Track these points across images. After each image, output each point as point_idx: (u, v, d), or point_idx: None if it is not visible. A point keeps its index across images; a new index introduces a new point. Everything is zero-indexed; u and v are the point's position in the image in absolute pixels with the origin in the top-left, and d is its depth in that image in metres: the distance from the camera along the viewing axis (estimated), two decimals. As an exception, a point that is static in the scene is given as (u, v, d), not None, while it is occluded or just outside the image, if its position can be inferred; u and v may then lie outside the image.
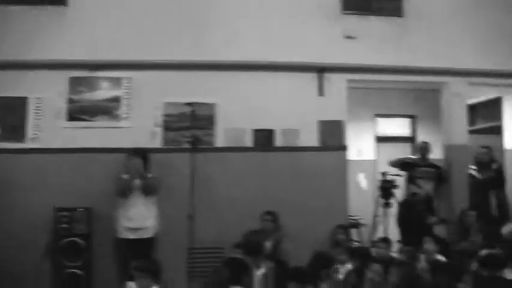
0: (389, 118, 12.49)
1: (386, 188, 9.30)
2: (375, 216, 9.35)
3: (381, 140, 12.26)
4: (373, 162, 11.89)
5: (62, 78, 8.65)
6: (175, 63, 8.79)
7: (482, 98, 11.88)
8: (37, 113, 8.55)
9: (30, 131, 8.53)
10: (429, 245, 7.50)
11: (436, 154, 9.93)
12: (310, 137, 9.05)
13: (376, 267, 6.41)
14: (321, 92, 9.17)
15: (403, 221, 9.19)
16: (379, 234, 8.94)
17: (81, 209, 8.06)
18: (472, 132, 10.90)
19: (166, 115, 8.75)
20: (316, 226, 8.73)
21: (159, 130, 8.74)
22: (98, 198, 8.20)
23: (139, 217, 7.81)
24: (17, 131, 8.51)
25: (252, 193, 8.72)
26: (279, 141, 8.98)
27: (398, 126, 12.70)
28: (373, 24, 9.51)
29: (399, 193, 9.51)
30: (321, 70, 9.20)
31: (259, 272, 6.34)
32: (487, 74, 9.86)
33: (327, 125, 9.12)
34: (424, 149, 9.57)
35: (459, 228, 8.96)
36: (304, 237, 8.42)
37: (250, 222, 8.01)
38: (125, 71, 8.78)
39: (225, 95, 8.91)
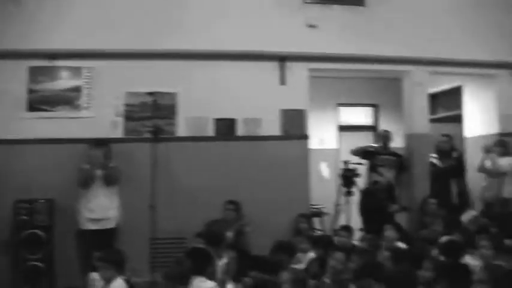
0: (351, 107, 12.56)
1: (348, 177, 9.31)
2: (337, 204, 9.36)
3: (343, 129, 12.34)
4: (336, 151, 11.96)
5: (21, 67, 8.50)
6: (137, 52, 8.70)
7: (443, 87, 11.98)
8: (-4, 103, 8.43)
9: (-11, 122, 8.39)
10: (390, 232, 7.56)
11: (397, 143, 9.99)
12: (272, 126, 9.05)
13: (338, 255, 6.43)
14: (282, 81, 9.17)
15: (365, 209, 9.24)
16: (341, 222, 8.95)
17: (42, 201, 7.96)
18: (433, 121, 10.96)
19: (127, 105, 8.68)
20: (278, 215, 8.73)
21: (120, 120, 8.64)
22: (60, 189, 8.11)
23: (101, 208, 7.77)
24: (-24, 122, 8.37)
25: (214, 182, 8.68)
26: (240, 131, 8.97)
27: (361, 115, 12.77)
28: (335, 13, 9.51)
29: (361, 181, 9.53)
30: (282, 59, 9.18)
31: (221, 262, 6.33)
32: (447, 63, 9.93)
33: (289, 114, 9.12)
34: (385, 137, 9.61)
35: (420, 216, 9.04)
36: (266, 226, 8.42)
37: (213, 212, 8.02)
38: (85, 61, 8.65)
39: (186, 85, 8.85)
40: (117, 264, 5.75)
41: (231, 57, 9.02)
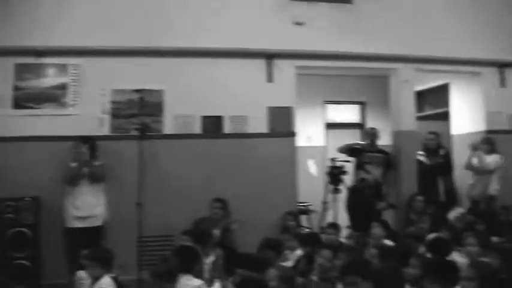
0: (338, 104, 12.57)
1: (335, 174, 9.30)
2: (324, 202, 9.35)
3: (331, 126, 12.34)
4: (323, 149, 11.96)
5: (7, 65, 8.44)
6: (123, 49, 8.66)
7: (430, 85, 12.01)
8: (-18, 101, 8.38)
9: (-25, 120, 8.34)
10: (377, 230, 7.57)
11: (384, 140, 10.01)
12: (259, 124, 9.05)
13: (326, 252, 6.41)
14: (269, 78, 9.16)
15: (352, 206, 9.25)
16: (329, 220, 8.94)
17: (28, 199, 7.88)
18: (420, 118, 11.00)
19: (114, 102, 8.64)
20: (265, 213, 8.75)
21: (106, 117, 8.60)
22: (46, 187, 8.05)
23: (88, 205, 7.74)
24: (-39, 120, 8.32)
25: (201, 180, 8.68)
26: (227, 128, 8.95)
27: (348, 113, 12.78)
28: (323, 11, 9.51)
29: (348, 179, 9.52)
30: (269, 56, 9.17)
31: (208, 260, 6.33)
32: (435, 60, 9.97)
33: (276, 111, 9.11)
34: (372, 134, 9.61)
35: (407, 213, 9.06)
36: (254, 223, 8.42)
37: (200, 210, 8.08)
38: (71, 58, 8.60)
39: (173, 82, 8.82)
40: (104, 262, 5.74)
41: (218, 54, 8.99)
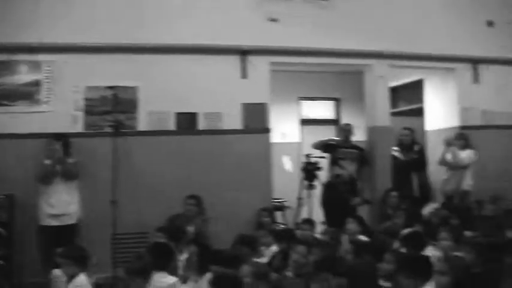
0: (313, 101, 12.57)
1: (309, 170, 9.29)
2: (299, 198, 9.36)
3: (306, 122, 12.34)
4: (298, 145, 11.95)
5: (-20, 61, 8.39)
6: (97, 46, 8.58)
7: (404, 81, 12.06)
8: (-46, 99, 8.29)
9: None
10: (352, 225, 7.59)
11: (359, 136, 10.04)
12: (233, 120, 9.03)
13: (301, 248, 6.41)
14: (244, 74, 9.14)
15: (327, 202, 9.29)
16: (304, 216, 8.94)
17: (2, 197, 7.83)
18: (394, 114, 11.08)
19: (87, 99, 8.57)
20: (240, 209, 8.74)
21: (80, 114, 8.54)
22: (20, 184, 7.97)
23: (62, 203, 7.68)
24: None
25: (176, 177, 8.64)
26: (202, 125, 8.92)
27: (323, 109, 12.80)
28: (297, 7, 9.50)
29: (323, 175, 9.54)
30: (244, 53, 9.15)
31: (182, 257, 6.31)
32: (409, 56, 10.02)
33: (250, 107, 9.10)
34: (346, 130, 9.63)
35: (382, 209, 9.09)
36: (229, 220, 8.41)
37: (175, 207, 8.05)
38: (45, 55, 8.51)
39: (147, 78, 8.77)
40: (79, 261, 5.71)
41: (192, 51, 8.97)
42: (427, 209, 8.58)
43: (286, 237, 7.31)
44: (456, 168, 9.54)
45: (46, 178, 7.64)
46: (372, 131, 9.90)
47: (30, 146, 8.13)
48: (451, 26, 10.30)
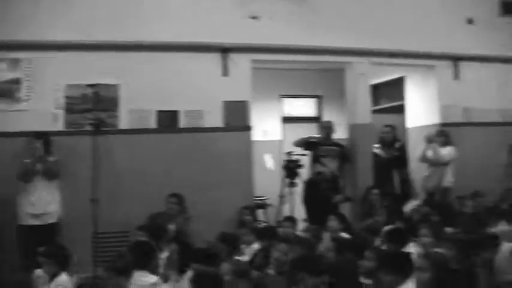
0: (295, 98, 12.58)
1: (291, 168, 9.28)
2: (281, 196, 9.36)
3: (287, 120, 12.35)
4: (279, 143, 11.96)
5: (-41, 59, 8.32)
6: (77, 44, 8.53)
7: (385, 78, 12.10)
8: None
9: None
10: (333, 223, 7.60)
11: (340, 134, 10.05)
12: (214, 118, 9.02)
13: (282, 246, 6.41)
14: (225, 72, 9.12)
15: (309, 199, 9.30)
16: (285, 213, 8.95)
17: (-19, 195, 7.80)
18: (375, 111, 11.10)
19: (68, 97, 8.52)
20: (222, 207, 8.73)
21: (61, 112, 8.49)
22: (0, 183, 7.92)
23: (42, 202, 7.64)
24: None
25: (157, 175, 8.62)
26: (183, 122, 8.90)
27: (304, 107, 12.81)
28: (279, 4, 9.50)
29: (304, 172, 9.54)
30: (225, 50, 9.13)
31: (163, 255, 6.29)
32: (390, 54, 10.04)
33: (232, 105, 9.09)
34: (327, 128, 9.62)
35: (363, 206, 9.10)
36: (210, 218, 8.39)
37: (156, 205, 8.01)
38: (25, 52, 8.45)
39: (128, 76, 8.73)
40: (60, 260, 5.69)
41: (174, 48, 8.94)
42: (409, 206, 8.63)
43: (267, 235, 7.31)
44: (437, 165, 9.60)
45: (26, 177, 7.59)
46: (353, 128, 9.94)
47: (9, 145, 8.08)
48: (432, 24, 10.35)
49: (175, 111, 8.87)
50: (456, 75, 10.61)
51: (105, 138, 8.29)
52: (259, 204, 9.93)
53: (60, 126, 8.45)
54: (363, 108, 9.95)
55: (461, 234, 6.88)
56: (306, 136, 9.69)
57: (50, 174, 7.68)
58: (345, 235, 7.37)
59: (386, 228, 7.23)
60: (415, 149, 10.30)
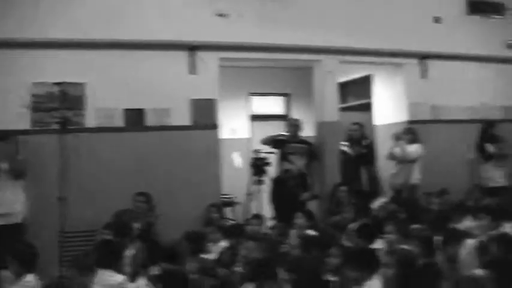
0: (263, 96, 12.58)
1: (258, 166, 9.33)
2: (248, 193, 9.37)
3: (256, 118, 12.34)
4: (248, 141, 11.95)
5: None
6: (43, 41, 8.42)
7: (353, 76, 12.14)
8: None
9: None
10: (300, 220, 7.62)
11: (308, 131, 10.08)
12: (182, 116, 8.98)
13: (250, 244, 6.42)
14: (192, 70, 9.09)
15: (276, 197, 9.32)
16: (253, 211, 8.97)
17: None
18: (343, 109, 11.17)
19: (34, 95, 8.41)
20: (189, 205, 8.70)
21: (26, 111, 8.38)
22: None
23: (7, 202, 7.49)
24: None
25: (125, 174, 8.56)
26: (150, 121, 8.85)
27: (273, 105, 12.81)
28: (246, 2, 9.50)
29: (272, 170, 9.57)
30: (192, 48, 9.09)
31: (128, 253, 6.25)
32: (357, 52, 10.09)
33: (199, 103, 9.05)
34: (295, 126, 9.64)
35: (331, 203, 9.13)
36: (178, 216, 8.38)
37: (124, 204, 7.97)
38: (-11, 50, 8.40)
39: (95, 75, 8.64)
40: (27, 260, 5.61)
41: (141, 46, 8.88)
42: (376, 203, 8.64)
43: (235, 233, 7.33)
44: (404, 162, 9.68)
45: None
46: (321, 126, 9.97)
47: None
48: (400, 22, 10.43)
49: (142, 109, 8.81)
50: (424, 73, 10.70)
51: (72, 137, 8.22)
52: (226, 202, 9.91)
53: (26, 124, 8.32)
54: (330, 106, 9.98)
55: (427, 230, 6.92)
56: (274, 134, 9.70)
57: (18, 174, 7.57)
58: (311, 232, 7.37)
59: (352, 225, 7.29)
60: (383, 146, 10.40)
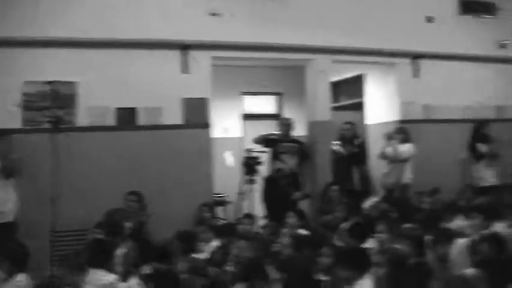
0: (255, 95, 12.57)
1: (250, 165, 9.34)
2: (240, 192, 9.38)
3: (248, 117, 12.32)
4: (240, 140, 11.94)
5: None
6: (35, 40, 8.39)
7: (345, 75, 12.15)
8: None
9: None
10: (292, 219, 7.62)
11: (300, 131, 10.09)
12: (174, 115, 8.97)
13: (242, 243, 6.42)
14: (185, 69, 9.08)
15: (268, 196, 9.32)
16: (245, 210, 8.97)
17: None
18: (335, 108, 11.17)
19: (25, 94, 8.38)
20: (181, 204, 8.69)
21: (18, 110, 8.35)
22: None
23: (-1, 201, 7.50)
24: None
25: (116, 173, 8.55)
26: (142, 120, 8.84)
27: (265, 104, 12.81)
28: (239, 1, 9.48)
29: (264, 169, 9.57)
30: (185, 47, 9.08)
31: (120, 252, 6.24)
32: (350, 51, 10.11)
33: (191, 102, 9.04)
34: (287, 125, 9.63)
35: (322, 203, 9.13)
36: (169, 216, 8.35)
37: (116, 203, 7.93)
38: (-19, 49, 8.37)
39: (86, 73, 8.61)
40: (18, 259, 5.60)
41: (133, 45, 8.86)
42: (368, 203, 8.64)
43: (227, 232, 7.33)
44: (396, 161, 9.68)
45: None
46: (313, 125, 9.97)
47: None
48: (392, 22, 10.45)
49: (134, 108, 8.80)
50: (416, 73, 10.73)
51: (64, 136, 8.20)
52: (218, 201, 9.89)
53: (17, 123, 8.29)
54: (322, 105, 9.99)
55: (418, 230, 6.93)
56: (266, 133, 9.71)
57: (11, 173, 7.54)
58: (303, 232, 7.38)
59: (344, 224, 7.29)
60: (375, 145, 10.42)
